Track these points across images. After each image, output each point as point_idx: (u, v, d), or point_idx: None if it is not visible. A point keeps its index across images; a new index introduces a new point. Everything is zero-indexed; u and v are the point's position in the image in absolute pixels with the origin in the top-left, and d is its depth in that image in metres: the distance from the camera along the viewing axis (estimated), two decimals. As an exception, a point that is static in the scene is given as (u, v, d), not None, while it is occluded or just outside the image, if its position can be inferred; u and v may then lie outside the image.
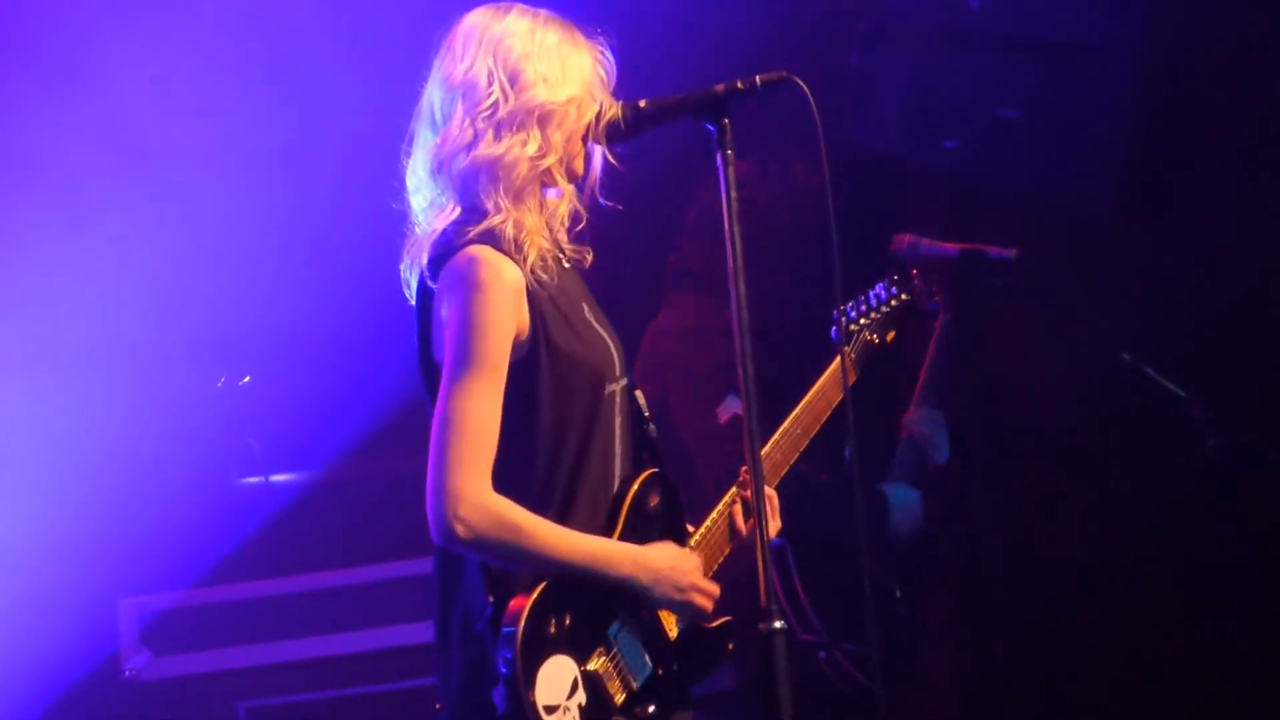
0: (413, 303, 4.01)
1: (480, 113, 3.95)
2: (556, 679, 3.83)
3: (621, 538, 3.99)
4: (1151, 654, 6.70)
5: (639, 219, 5.91)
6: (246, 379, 6.64)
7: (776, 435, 4.35)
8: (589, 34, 4.06)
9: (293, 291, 6.48)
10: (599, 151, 4.07)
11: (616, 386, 4.05)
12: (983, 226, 6.30)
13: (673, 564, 3.99)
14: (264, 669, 6.35)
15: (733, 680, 4.27)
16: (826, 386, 4.48)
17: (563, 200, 4.05)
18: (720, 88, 3.89)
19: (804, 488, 5.60)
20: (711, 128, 3.87)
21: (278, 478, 6.60)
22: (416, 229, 4.03)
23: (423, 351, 3.98)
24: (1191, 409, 6.13)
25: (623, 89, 4.06)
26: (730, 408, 5.33)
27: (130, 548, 6.36)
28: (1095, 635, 6.78)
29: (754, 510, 3.77)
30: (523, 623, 3.79)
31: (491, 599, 3.86)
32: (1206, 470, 6.27)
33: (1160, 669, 6.69)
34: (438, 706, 3.98)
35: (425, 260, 3.95)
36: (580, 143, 4.01)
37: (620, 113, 4.01)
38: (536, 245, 3.95)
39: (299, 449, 6.60)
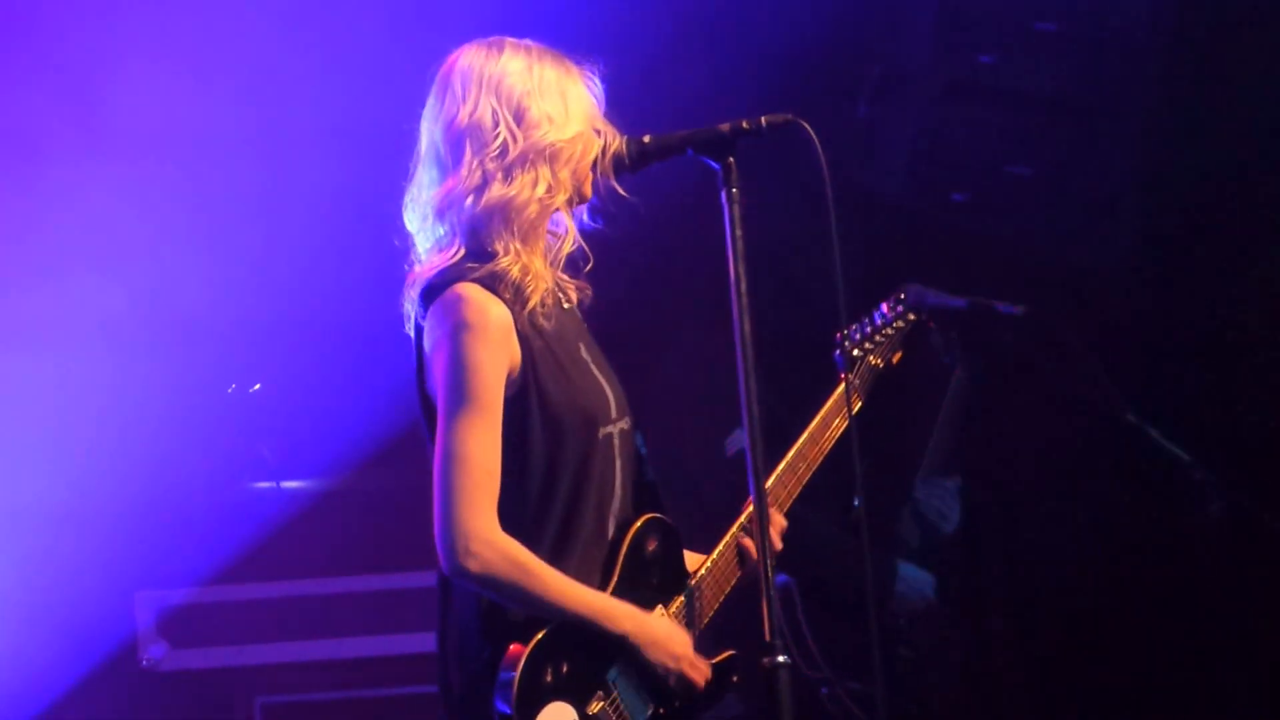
0: (412, 336, 4.03)
1: (489, 155, 3.95)
2: None
3: (619, 581, 4.00)
4: (1153, 703, 6.69)
5: (647, 255, 6.00)
6: (257, 386, 6.70)
7: (780, 468, 4.32)
8: (577, 62, 4.08)
9: (308, 299, 6.53)
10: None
11: (614, 429, 4.05)
12: (990, 281, 6.31)
13: (670, 634, 4.00)
14: (282, 666, 6.42)
15: (735, 710, 4.26)
16: (829, 414, 4.44)
17: (566, 238, 4.05)
18: (725, 127, 3.92)
19: (811, 530, 5.59)
20: (716, 166, 3.89)
21: (289, 484, 6.66)
22: (416, 267, 4.04)
23: (419, 384, 4.00)
24: (1194, 472, 6.12)
25: (628, 127, 4.07)
26: (737, 442, 5.34)
27: (145, 544, 6.41)
28: (1099, 683, 6.76)
29: (758, 547, 3.79)
30: (520, 671, 3.83)
31: (486, 641, 3.89)
32: (1208, 534, 6.28)
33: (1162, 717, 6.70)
34: None
35: (417, 296, 3.97)
36: (587, 173, 4.03)
37: (624, 147, 4.03)
38: (540, 290, 3.97)
39: (310, 457, 6.65)
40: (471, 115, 3.97)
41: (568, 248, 4.06)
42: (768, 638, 3.69)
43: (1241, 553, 6.41)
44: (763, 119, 3.92)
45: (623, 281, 4.29)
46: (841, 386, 4.45)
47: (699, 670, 4.02)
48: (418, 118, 4.08)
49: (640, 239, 4.29)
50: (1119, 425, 6.12)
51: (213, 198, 6.59)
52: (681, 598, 4.11)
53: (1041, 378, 6.64)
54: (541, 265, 4.00)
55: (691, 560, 4.20)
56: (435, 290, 3.93)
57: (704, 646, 4.12)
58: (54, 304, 6.55)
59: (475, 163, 3.96)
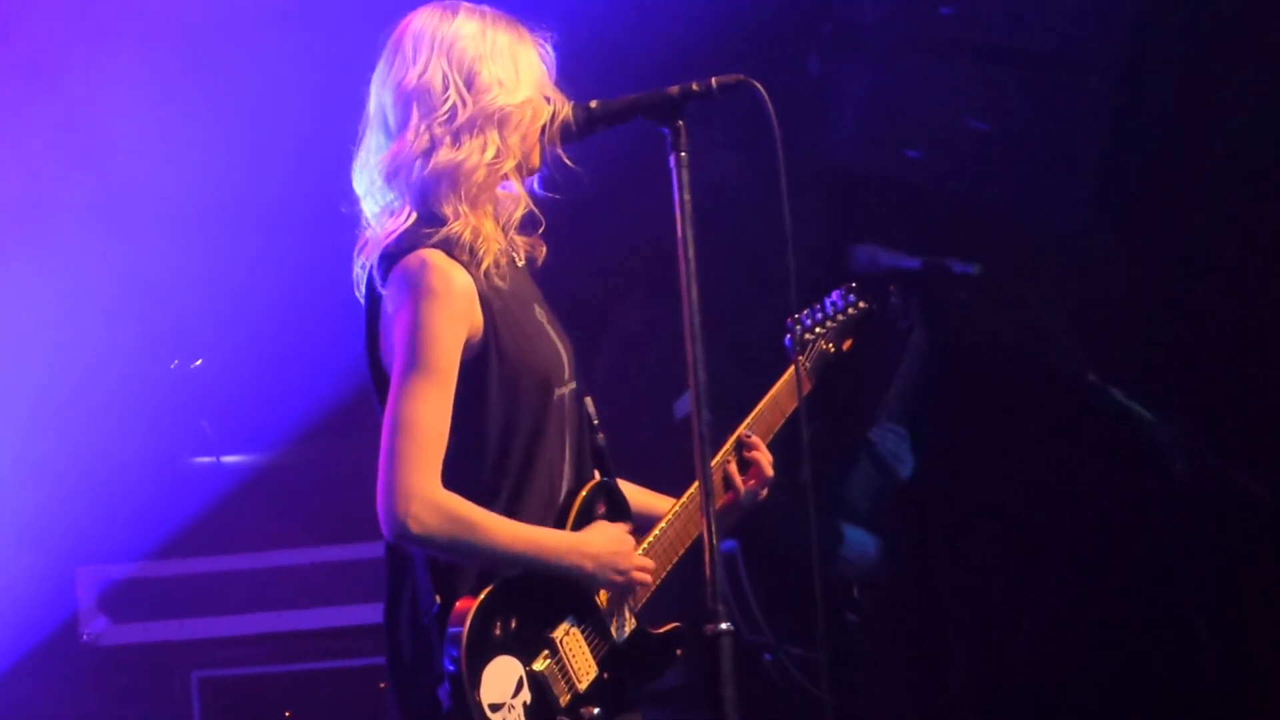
0: (363, 303, 4.00)
1: (438, 118, 3.95)
2: (501, 678, 3.87)
3: None
4: (1111, 670, 6.66)
5: (595, 221, 5.92)
6: (199, 361, 6.71)
7: (727, 445, 4.31)
8: (532, 29, 4.05)
9: (247, 276, 6.54)
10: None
11: (566, 390, 4.06)
12: (946, 239, 6.26)
13: (613, 547, 4.02)
14: (219, 641, 6.49)
15: (677, 678, 4.27)
16: (780, 396, 4.43)
17: (518, 202, 4.03)
18: (674, 90, 3.88)
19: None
20: (665, 130, 3.85)
21: (229, 459, 6.70)
22: (368, 232, 4.02)
23: (370, 351, 3.98)
24: (1158, 432, 6.11)
25: (579, 92, 4.03)
26: (685, 407, 5.31)
27: (87, 519, 6.45)
28: (1051, 650, 6.74)
29: (703, 512, 3.75)
30: (468, 624, 3.83)
31: (438, 598, 3.89)
32: (1173, 493, 6.27)
33: (1120, 685, 6.66)
34: (382, 686, 3.97)
35: (376, 262, 3.95)
36: (536, 140, 4.00)
37: (572, 113, 4.00)
38: (492, 251, 3.96)
39: (250, 431, 6.70)
40: (420, 77, 3.97)
41: (520, 211, 4.04)
42: (711, 604, 3.69)
43: (1205, 511, 6.39)
44: (713, 80, 3.89)
45: (571, 245, 4.20)
46: (791, 369, 4.44)
47: (645, 569, 4.06)
48: (366, 85, 4.04)
49: (587, 204, 4.22)
50: (1080, 385, 6.10)
51: (154, 169, 6.57)
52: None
53: (999, 337, 6.61)
54: (492, 227, 3.99)
55: (648, 500, 4.25)
56: (395, 256, 3.91)
57: (651, 615, 4.12)
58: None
59: (423, 126, 3.96)
